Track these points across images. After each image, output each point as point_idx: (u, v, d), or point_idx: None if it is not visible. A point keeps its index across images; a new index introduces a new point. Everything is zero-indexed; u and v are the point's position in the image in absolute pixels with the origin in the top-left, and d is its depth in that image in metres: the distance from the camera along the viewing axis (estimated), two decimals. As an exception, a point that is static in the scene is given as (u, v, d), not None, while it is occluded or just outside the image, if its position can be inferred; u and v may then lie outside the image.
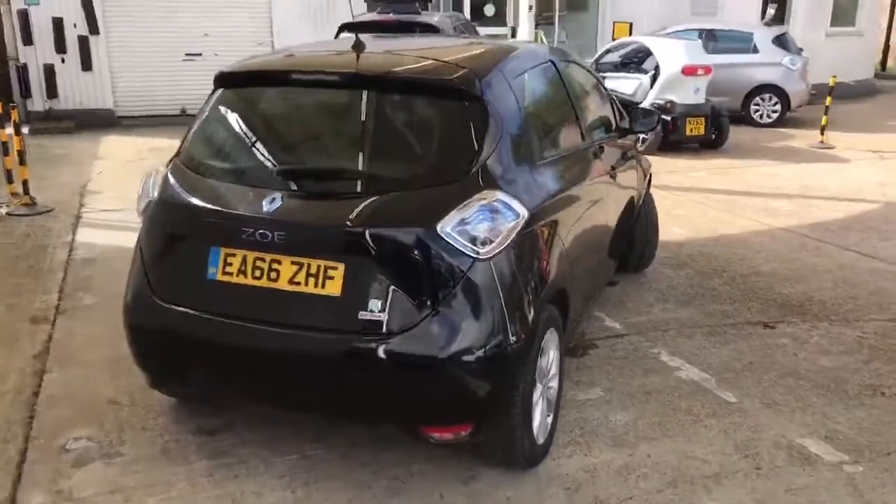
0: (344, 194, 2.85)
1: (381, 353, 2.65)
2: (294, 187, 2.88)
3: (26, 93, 11.24)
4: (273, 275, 2.76)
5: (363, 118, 2.99)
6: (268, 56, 3.44)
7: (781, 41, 12.19)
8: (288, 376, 2.80)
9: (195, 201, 2.96)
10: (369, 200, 2.78)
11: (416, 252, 2.68)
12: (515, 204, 2.82)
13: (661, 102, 9.66)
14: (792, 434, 3.39)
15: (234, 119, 3.20)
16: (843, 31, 15.51)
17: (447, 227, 2.67)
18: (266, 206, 2.77)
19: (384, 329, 2.65)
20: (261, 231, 2.73)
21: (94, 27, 11.35)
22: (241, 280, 2.81)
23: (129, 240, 6.15)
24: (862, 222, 6.90)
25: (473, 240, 2.68)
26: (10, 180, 7.19)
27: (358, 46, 3.19)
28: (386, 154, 2.96)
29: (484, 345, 2.66)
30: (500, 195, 2.79)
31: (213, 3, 11.94)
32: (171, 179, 3.08)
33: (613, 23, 13.45)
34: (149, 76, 11.80)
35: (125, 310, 3.09)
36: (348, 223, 2.71)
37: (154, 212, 3.05)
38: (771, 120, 11.91)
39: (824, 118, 10.46)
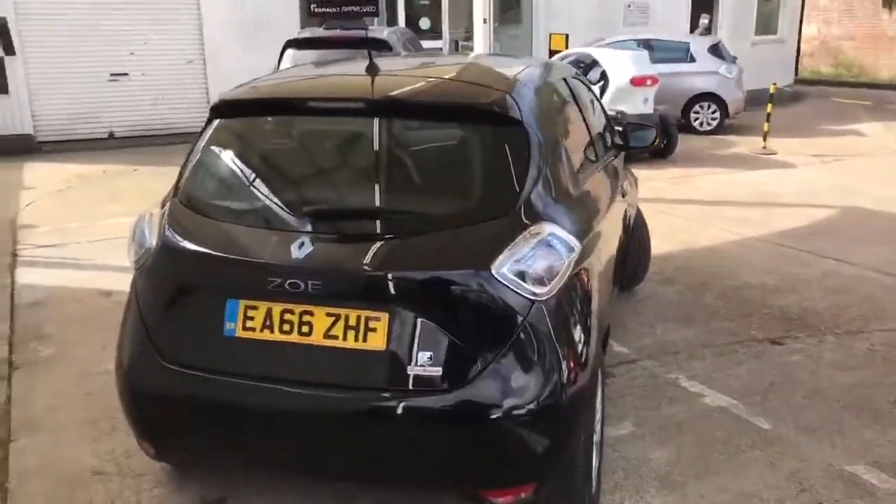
0: (381, 236, 2.54)
1: (436, 411, 2.36)
2: (324, 230, 2.55)
3: (-65, 119, 10.41)
4: (305, 329, 2.43)
5: (391, 149, 2.70)
6: (272, 82, 3.10)
7: (716, 50, 12.42)
8: (327, 441, 2.47)
9: (206, 248, 2.59)
10: (412, 242, 2.49)
11: (469, 297, 2.40)
12: (568, 237, 2.57)
13: (612, 113, 9.62)
14: (839, 461, 3.25)
15: (239, 153, 2.85)
16: (767, 40, 16.00)
17: (503, 267, 2.40)
18: (295, 252, 2.44)
19: (438, 384, 2.36)
20: (291, 280, 2.39)
21: (9, 48, 10.57)
22: (266, 336, 2.46)
23: (77, 279, 5.75)
24: (828, 228, 6.97)
25: (530, 280, 2.42)
26: (-70, 217, 6.54)
27: (372, 69, 2.89)
28: (422, 189, 2.67)
29: (549, 397, 2.39)
30: (551, 228, 2.54)
31: (138, 21, 11.29)
32: (173, 223, 2.70)
33: (550, 34, 13.42)
34: (72, 98, 11.08)
35: (122, 374, 2.69)
36: (391, 268, 2.41)
37: (155, 261, 2.66)
38: (711, 127, 12.10)
39: (766, 124, 10.65)
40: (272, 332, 2.45)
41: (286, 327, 2.44)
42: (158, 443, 2.73)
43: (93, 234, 6.77)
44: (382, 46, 8.37)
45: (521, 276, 2.40)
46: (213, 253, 2.57)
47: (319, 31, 8.86)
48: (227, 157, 2.87)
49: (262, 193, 2.76)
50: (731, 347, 4.40)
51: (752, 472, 3.17)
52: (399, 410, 2.37)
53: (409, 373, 2.36)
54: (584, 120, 3.64)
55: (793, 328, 4.66)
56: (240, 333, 2.48)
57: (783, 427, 3.53)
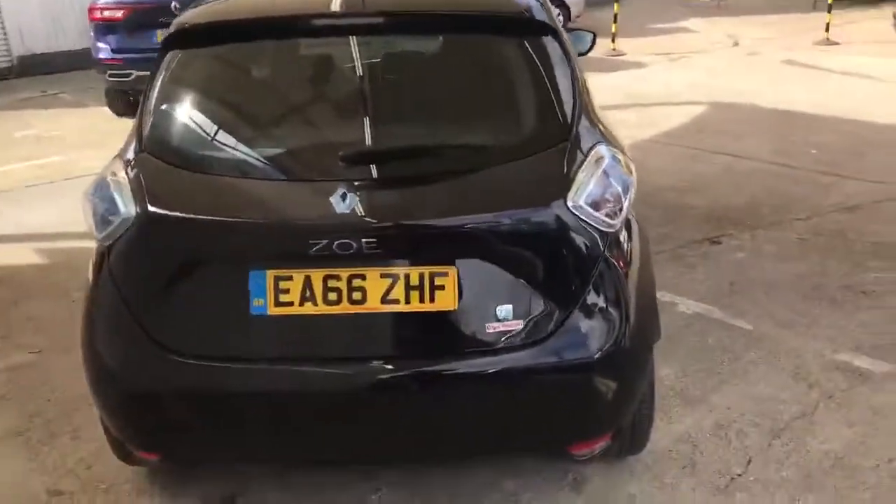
0: (433, 177, 2.16)
1: (523, 368, 2.09)
2: (360, 175, 2.12)
3: None
4: (357, 295, 2.05)
5: (415, 72, 2.30)
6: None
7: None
8: (397, 421, 2.13)
9: (213, 210, 2.10)
10: (469, 181, 2.15)
11: (546, 236, 2.12)
12: (625, 158, 2.34)
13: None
14: (827, 352, 3.35)
15: (224, 89, 2.32)
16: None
17: (579, 199, 2.13)
18: (337, 205, 2.02)
19: (522, 339, 2.09)
20: (340, 241, 1.99)
21: None
22: (307, 310, 2.05)
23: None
24: (705, 124, 7.22)
25: (603, 210, 2.17)
26: None
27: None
28: (463, 119, 2.30)
29: (632, 337, 2.20)
30: (610, 151, 2.30)
31: None
32: (154, 182, 2.16)
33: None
34: None
35: (111, 378, 2.17)
36: (457, 213, 2.07)
37: (140, 234, 2.12)
38: (555, 31, 12.15)
39: (614, 25, 10.85)
40: (315, 304, 2.05)
41: (332, 296, 2.05)
42: (168, 450, 2.27)
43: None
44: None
45: (595, 206, 2.15)
46: (226, 216, 2.08)
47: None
48: (208, 95, 2.33)
49: (269, 136, 2.26)
50: (678, 252, 4.43)
51: (759, 375, 3.20)
52: (482, 374, 2.08)
53: (488, 331, 2.07)
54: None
55: (723, 226, 4.78)
56: (272, 311, 2.06)
57: (763, 325, 3.60)
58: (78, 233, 4.73)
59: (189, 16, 2.44)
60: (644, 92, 8.52)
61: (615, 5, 10.78)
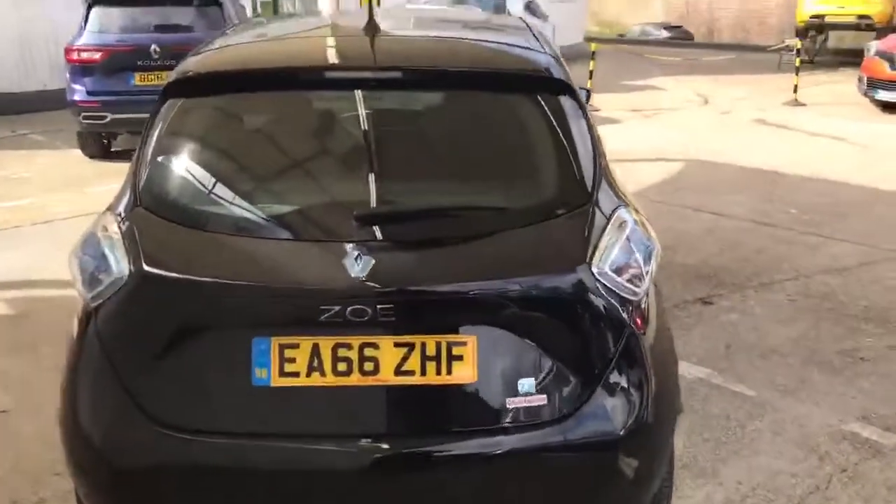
0: (451, 240, 2.04)
1: (546, 446, 1.95)
2: (371, 237, 1.99)
3: None
4: (368, 366, 1.90)
5: (434, 130, 2.20)
6: (247, 45, 2.40)
7: (530, 7, 12.60)
8: (411, 503, 1.97)
9: (214, 271, 1.94)
10: (490, 244, 2.03)
11: (570, 303, 2.01)
12: (645, 222, 2.25)
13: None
14: (833, 421, 3.27)
15: (224, 141, 2.18)
16: (563, -2, 16.53)
17: (604, 265, 2.03)
18: (351, 269, 1.88)
19: (544, 415, 1.95)
20: (354, 307, 1.85)
21: None
22: (314, 381, 1.90)
23: None
24: (685, 181, 7.26)
25: (627, 277, 2.07)
26: None
27: (372, 28, 2.33)
28: (484, 179, 2.19)
29: (659, 410, 2.08)
30: (632, 215, 2.21)
31: None
32: (150, 239, 2.00)
33: (362, -9, 12.83)
34: None
35: (95, 452, 1.97)
36: (477, 279, 1.95)
37: (134, 294, 1.95)
38: (530, 85, 12.27)
39: (590, 82, 10.96)
40: (323, 375, 1.89)
41: (342, 367, 1.90)
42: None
43: None
44: (212, 2, 7.49)
45: (619, 272, 2.05)
46: (227, 278, 1.93)
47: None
48: (209, 147, 2.19)
49: (275, 192, 2.13)
50: (672, 313, 4.34)
51: (767, 446, 3.10)
52: (504, 454, 1.93)
53: (508, 406, 1.93)
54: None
55: (713, 287, 4.73)
56: (276, 382, 1.90)
57: (765, 392, 3.51)
58: (48, 280, 4.55)
59: (191, 63, 2.32)
60: (621, 148, 8.49)
61: (591, 62, 10.92)
